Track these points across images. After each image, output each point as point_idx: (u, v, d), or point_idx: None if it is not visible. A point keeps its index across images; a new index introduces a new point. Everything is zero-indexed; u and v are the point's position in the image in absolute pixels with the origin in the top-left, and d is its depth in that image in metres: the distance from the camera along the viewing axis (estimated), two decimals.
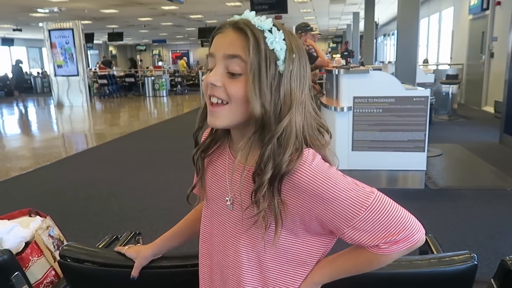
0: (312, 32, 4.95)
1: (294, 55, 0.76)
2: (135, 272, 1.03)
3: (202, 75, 13.52)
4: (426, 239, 1.35)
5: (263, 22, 0.76)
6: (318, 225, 0.79)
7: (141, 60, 23.27)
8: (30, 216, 1.48)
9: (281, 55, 0.75)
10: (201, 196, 0.94)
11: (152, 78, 14.50)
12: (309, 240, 0.82)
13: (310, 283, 0.85)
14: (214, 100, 0.77)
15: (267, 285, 0.83)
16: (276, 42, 0.74)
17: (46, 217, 1.45)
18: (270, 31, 0.75)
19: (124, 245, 1.18)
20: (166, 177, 4.48)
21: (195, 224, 0.99)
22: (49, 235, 1.35)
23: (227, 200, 0.85)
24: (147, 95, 14.40)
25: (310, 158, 0.76)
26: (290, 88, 0.75)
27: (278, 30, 0.76)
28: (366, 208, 0.75)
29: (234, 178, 0.83)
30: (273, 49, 0.74)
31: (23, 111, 12.46)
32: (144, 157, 5.57)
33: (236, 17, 0.78)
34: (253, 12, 0.78)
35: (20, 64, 14.18)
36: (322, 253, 0.85)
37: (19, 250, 1.30)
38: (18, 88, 14.13)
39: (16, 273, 1.17)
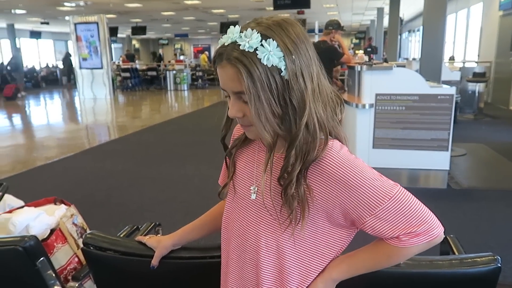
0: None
1: (293, 56, 0.74)
2: (155, 261, 1.06)
3: None
4: (447, 239, 1.34)
5: (251, 40, 0.73)
6: (341, 213, 0.80)
7: (174, 55, 23.19)
8: (55, 204, 1.53)
9: (281, 64, 0.73)
10: (228, 190, 0.95)
11: (174, 72, 14.63)
12: (329, 231, 0.83)
13: (327, 279, 0.85)
14: (242, 123, 0.83)
15: (283, 273, 0.84)
16: (272, 55, 0.73)
17: (70, 206, 1.49)
18: (262, 45, 0.73)
19: (144, 235, 1.20)
20: (186, 170, 4.53)
21: (218, 219, 1.00)
22: (73, 223, 1.39)
23: (252, 188, 0.87)
24: (169, 88, 14.55)
25: (338, 147, 0.79)
26: (300, 87, 0.75)
27: (269, 38, 0.73)
28: (390, 198, 0.77)
29: (262, 167, 0.84)
30: (271, 65, 0.73)
31: (55, 103, 12.80)
32: (164, 150, 5.65)
33: (224, 40, 0.76)
34: (237, 29, 0.75)
35: (70, 57, 14.99)
36: (339, 248, 0.86)
37: (45, 237, 1.34)
38: (69, 78, 15.01)
39: (42, 258, 1.21)
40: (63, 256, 1.35)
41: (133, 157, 5.28)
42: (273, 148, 0.80)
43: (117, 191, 3.95)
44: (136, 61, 18.01)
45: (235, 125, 0.91)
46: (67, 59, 15.61)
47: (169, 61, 18.27)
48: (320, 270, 0.85)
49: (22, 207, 1.48)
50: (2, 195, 1.58)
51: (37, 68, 18.46)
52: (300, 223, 0.78)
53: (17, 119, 9.57)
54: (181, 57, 21.81)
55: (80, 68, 12.39)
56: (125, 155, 5.41)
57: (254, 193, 0.86)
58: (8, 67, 14.86)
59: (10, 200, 1.55)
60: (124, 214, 3.34)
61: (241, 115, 0.79)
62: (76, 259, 1.38)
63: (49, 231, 1.35)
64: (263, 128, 0.76)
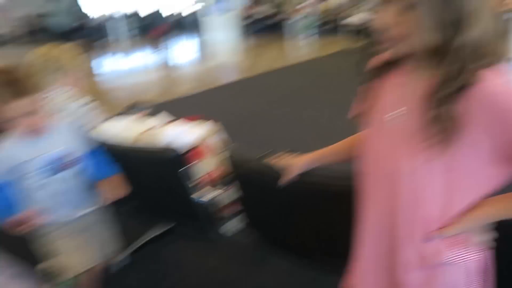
0: None
1: None
2: (283, 181, 1.10)
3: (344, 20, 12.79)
4: None
5: None
6: (493, 148, 0.71)
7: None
8: (202, 121, 1.69)
9: None
10: (364, 119, 0.91)
11: (299, 18, 14.40)
12: (475, 166, 0.74)
13: (481, 216, 0.78)
14: (390, 37, 0.75)
15: (419, 203, 0.79)
16: None
17: (216, 123, 1.63)
18: None
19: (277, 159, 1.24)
20: (309, 112, 4.55)
21: (353, 148, 0.98)
22: (217, 138, 1.52)
23: (393, 114, 0.81)
24: (294, 34, 14.42)
25: (502, 72, 0.70)
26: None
27: None
28: None
29: (410, 89, 0.79)
30: None
31: (187, 45, 13.92)
32: (288, 92, 5.74)
33: None
34: None
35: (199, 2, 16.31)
36: (488, 188, 0.76)
37: (190, 148, 1.51)
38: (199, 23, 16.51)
39: (183, 168, 1.37)
40: (206, 167, 1.51)
41: (259, 97, 5.51)
42: (424, 61, 0.73)
43: (246, 125, 4.17)
44: (263, 6, 18.08)
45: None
46: (197, 5, 16.71)
47: (295, 7, 17.91)
48: (462, 207, 0.77)
49: (174, 120, 1.68)
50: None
51: (172, 13, 19.83)
52: (442, 150, 0.71)
53: (161, 57, 10.62)
54: (306, 3, 21.17)
55: (210, 13, 13.07)
56: (252, 94, 5.68)
57: (396, 116, 0.80)
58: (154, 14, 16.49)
59: (165, 116, 1.78)
60: (254, 144, 3.53)
61: (393, 23, 0.72)
62: (216, 172, 1.53)
63: (194, 144, 1.51)
64: (420, 36, 0.70)
